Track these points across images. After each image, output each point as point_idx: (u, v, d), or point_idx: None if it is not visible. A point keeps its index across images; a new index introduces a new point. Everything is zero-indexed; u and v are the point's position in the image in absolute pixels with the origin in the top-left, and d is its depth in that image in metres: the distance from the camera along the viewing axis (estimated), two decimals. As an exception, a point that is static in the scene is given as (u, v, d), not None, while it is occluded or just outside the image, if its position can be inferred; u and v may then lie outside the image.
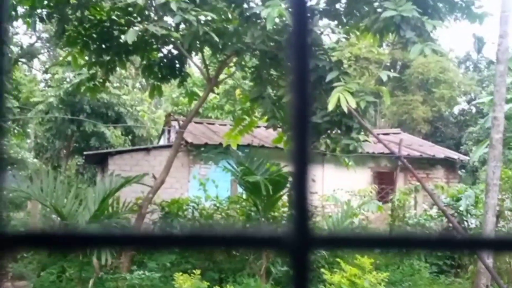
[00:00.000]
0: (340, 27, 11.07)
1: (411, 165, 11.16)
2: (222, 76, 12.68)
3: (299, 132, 0.60)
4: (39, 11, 10.39)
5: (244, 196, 12.32)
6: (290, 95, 0.61)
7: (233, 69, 13.16)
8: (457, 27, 36.28)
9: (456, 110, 30.37)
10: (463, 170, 23.00)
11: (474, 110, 28.86)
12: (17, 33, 22.21)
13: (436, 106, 27.89)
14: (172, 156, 11.26)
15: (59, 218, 10.65)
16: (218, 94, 21.19)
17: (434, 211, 13.89)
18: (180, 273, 8.73)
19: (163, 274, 9.67)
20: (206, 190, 12.89)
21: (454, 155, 19.08)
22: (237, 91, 18.49)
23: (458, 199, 13.22)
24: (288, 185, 11.35)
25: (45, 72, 22.56)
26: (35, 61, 25.12)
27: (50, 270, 9.88)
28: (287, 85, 10.78)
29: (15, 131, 21.20)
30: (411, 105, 27.63)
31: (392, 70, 25.15)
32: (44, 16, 10.49)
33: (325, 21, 10.88)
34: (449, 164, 18.67)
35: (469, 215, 13.30)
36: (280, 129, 11.62)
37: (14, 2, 10.33)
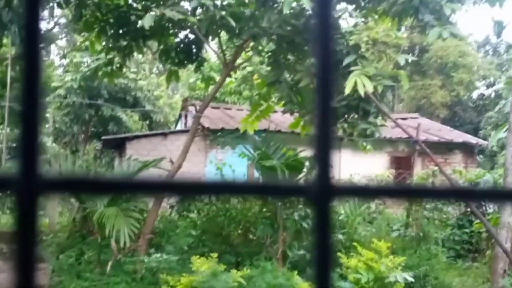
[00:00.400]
0: (358, 10, 10.97)
1: (429, 149, 11.11)
2: (239, 61, 12.67)
3: (323, 84, 0.64)
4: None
5: (261, 181, 12.34)
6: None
7: (250, 54, 13.12)
8: (477, 10, 35.81)
9: (475, 94, 30.08)
10: (482, 155, 22.83)
11: (493, 94, 28.57)
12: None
13: (455, 90, 27.64)
14: (189, 140, 11.31)
15: (77, 202, 10.78)
16: (235, 79, 21.18)
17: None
18: (197, 256, 8.81)
19: (181, 257, 9.75)
20: (223, 174, 12.93)
21: (472, 139, 18.94)
22: (255, 76, 18.47)
23: (476, 184, 13.14)
24: (304, 169, 11.36)
25: (63, 57, 22.70)
26: (53, 46, 25.27)
27: (69, 252, 10.01)
28: (304, 69, 10.75)
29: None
30: (429, 90, 27.41)
31: (410, 54, 24.93)
32: (62, 1, 10.53)
33: (342, 5, 10.80)
34: (467, 149, 18.54)
35: (486, 199, 13.22)
36: (297, 114, 11.60)
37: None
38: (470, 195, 0.77)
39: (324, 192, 0.63)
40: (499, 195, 0.73)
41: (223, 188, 0.67)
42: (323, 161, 0.64)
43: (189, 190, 0.65)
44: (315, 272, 0.62)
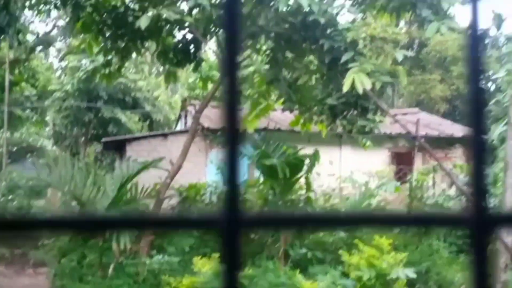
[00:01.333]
0: (356, 6, 10.94)
1: (429, 144, 11.09)
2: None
3: (229, 114, 0.65)
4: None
5: (261, 180, 12.33)
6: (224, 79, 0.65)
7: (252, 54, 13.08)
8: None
9: (475, 88, 29.99)
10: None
11: (493, 87, 28.51)
12: (32, 22, 22.31)
13: (454, 84, 27.58)
14: (189, 141, 11.30)
15: (78, 205, 10.77)
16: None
17: (453, 191, 13.81)
18: (199, 257, 8.81)
19: (182, 258, 9.75)
20: (223, 173, 12.92)
21: (473, 133, 18.86)
22: (255, 75, 18.42)
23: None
24: (304, 167, 11.34)
25: (61, 59, 22.69)
26: (52, 49, 25.26)
27: (71, 256, 10.01)
28: (302, 67, 10.73)
29: (34, 119, 21.34)
30: (429, 84, 27.34)
31: (409, 49, 24.90)
32: (59, 3, 10.51)
33: (340, 1, 10.78)
34: (468, 143, 18.46)
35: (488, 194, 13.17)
36: (296, 112, 11.58)
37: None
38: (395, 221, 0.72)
39: (232, 224, 0.61)
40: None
41: (133, 223, 0.66)
42: (232, 191, 0.62)
43: (89, 227, 0.63)
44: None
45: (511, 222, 0.68)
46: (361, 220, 0.66)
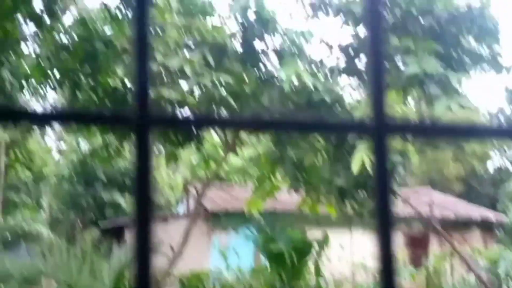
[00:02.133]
0: (360, 84, 10.65)
1: (445, 226, 10.47)
2: (244, 138, 12.30)
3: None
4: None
5: (267, 266, 11.71)
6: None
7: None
8: (489, 81, 35.99)
9: (490, 166, 29.53)
10: (501, 229, 22.00)
11: (510, 166, 27.99)
12: (29, 101, 22.39)
13: (469, 162, 27.09)
14: (190, 225, 10.78)
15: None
16: (237, 156, 20.80)
17: (472, 277, 13.04)
18: None
19: None
20: (227, 259, 12.31)
21: (490, 214, 18.23)
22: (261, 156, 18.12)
23: (497, 262, 12.39)
24: (312, 251, 10.78)
25: (59, 140, 22.60)
26: (49, 129, 25.20)
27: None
28: (307, 146, 10.31)
29: (29, 204, 20.83)
30: (441, 163, 26.87)
31: (419, 127, 24.64)
32: (56, 84, 10.33)
33: (344, 78, 10.50)
34: (486, 225, 17.77)
35: (509, 279, 12.43)
36: (303, 192, 11.10)
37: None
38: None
39: (143, 120, 0.68)
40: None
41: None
42: (141, 86, 0.68)
43: None
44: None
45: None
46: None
